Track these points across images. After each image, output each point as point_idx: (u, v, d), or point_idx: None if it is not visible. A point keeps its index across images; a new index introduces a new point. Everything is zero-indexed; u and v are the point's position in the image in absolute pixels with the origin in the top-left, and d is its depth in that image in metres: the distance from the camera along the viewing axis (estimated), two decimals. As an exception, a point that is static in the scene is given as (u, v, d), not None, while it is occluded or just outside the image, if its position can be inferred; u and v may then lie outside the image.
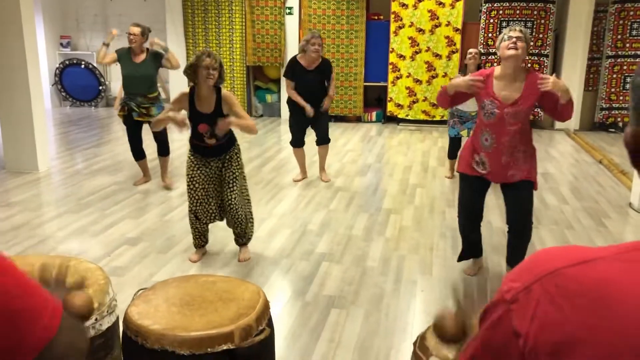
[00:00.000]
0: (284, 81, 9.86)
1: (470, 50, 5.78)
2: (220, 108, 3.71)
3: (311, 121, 5.86)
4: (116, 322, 1.72)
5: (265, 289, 3.58)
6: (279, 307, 3.37)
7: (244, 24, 9.62)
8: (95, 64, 10.46)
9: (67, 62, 10.52)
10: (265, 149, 7.68)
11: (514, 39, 3.23)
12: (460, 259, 3.87)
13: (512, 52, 3.22)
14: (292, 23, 9.60)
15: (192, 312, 1.52)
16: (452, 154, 6.15)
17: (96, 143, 7.98)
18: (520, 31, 3.28)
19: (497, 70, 3.36)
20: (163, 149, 5.83)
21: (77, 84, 10.61)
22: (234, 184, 3.84)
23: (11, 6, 5.89)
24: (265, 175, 6.32)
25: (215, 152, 3.82)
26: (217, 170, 3.84)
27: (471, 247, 3.81)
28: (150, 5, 10.34)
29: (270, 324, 1.61)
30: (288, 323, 3.20)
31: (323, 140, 6.02)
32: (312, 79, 5.67)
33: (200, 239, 4.04)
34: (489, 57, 8.80)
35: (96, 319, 1.54)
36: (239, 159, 3.91)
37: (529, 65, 8.43)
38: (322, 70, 5.72)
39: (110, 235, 4.55)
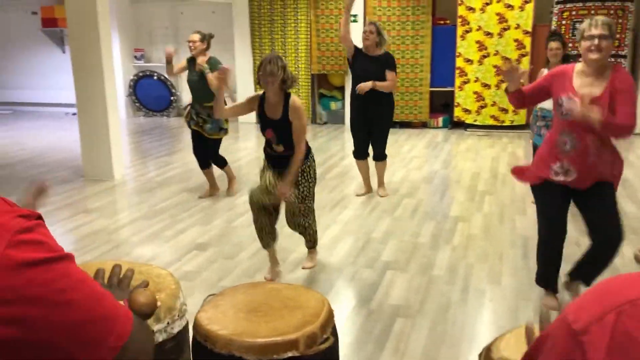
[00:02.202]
0: (348, 88, 9.90)
1: (551, 44, 5.11)
2: (287, 115, 3.55)
3: (370, 132, 5.62)
4: (186, 326, 1.78)
5: (330, 296, 3.59)
6: (343, 315, 3.37)
7: (309, 32, 9.73)
8: (167, 75, 10.86)
9: (140, 74, 10.98)
10: (329, 156, 7.71)
11: (596, 40, 2.89)
12: (541, 283, 3.44)
13: (594, 55, 2.91)
14: (356, 30, 9.60)
15: (259, 319, 1.55)
16: None
17: (168, 152, 8.26)
18: (603, 26, 2.91)
19: (579, 66, 3.06)
20: (218, 162, 5.77)
21: (149, 94, 11.05)
22: (303, 202, 3.70)
23: (89, 22, 6.21)
24: (329, 182, 6.34)
25: (286, 164, 3.58)
26: None
27: (549, 272, 3.38)
28: (219, 17, 10.64)
29: (334, 333, 1.62)
30: (352, 331, 3.19)
31: (379, 156, 5.74)
32: (370, 66, 5.33)
33: (269, 236, 3.82)
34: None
35: (168, 323, 1.60)
36: (310, 175, 3.71)
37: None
38: (382, 61, 5.38)
39: (181, 241, 4.69)
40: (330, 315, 1.62)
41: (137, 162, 7.81)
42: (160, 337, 1.60)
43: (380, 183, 5.89)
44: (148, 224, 5.12)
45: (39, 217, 0.78)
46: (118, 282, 1.11)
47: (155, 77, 10.89)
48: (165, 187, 6.32)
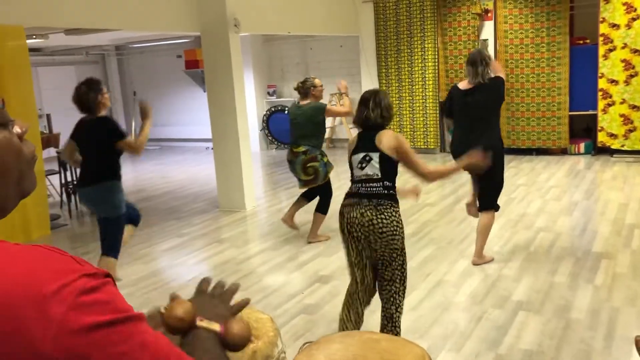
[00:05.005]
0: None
1: None
2: None
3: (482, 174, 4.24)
4: (285, 374, 1.74)
5: (454, 338, 3.39)
6: (468, 359, 3.15)
7: (436, 60, 9.56)
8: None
9: (273, 109, 11.47)
10: (459, 185, 7.43)
11: None
12: None
13: None
14: (487, 55, 9.28)
15: (352, 372, 1.46)
16: None
17: (297, 183, 8.46)
18: None
19: None
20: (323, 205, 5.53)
21: (281, 128, 11.46)
22: None
23: (223, 63, 6.61)
24: (458, 214, 6.09)
25: None
26: None
27: None
28: (346, 51, 10.85)
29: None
30: (478, 377, 2.96)
31: (485, 204, 4.52)
32: (469, 103, 4.42)
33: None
34: None
35: (266, 370, 1.57)
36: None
37: None
38: (486, 89, 4.41)
39: (305, 272, 4.73)
40: (430, 373, 1.48)
41: (268, 192, 8.09)
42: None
43: (478, 250, 4.64)
44: (275, 254, 5.24)
45: (107, 276, 0.77)
46: (220, 294, 1.10)
47: (286, 112, 11.30)
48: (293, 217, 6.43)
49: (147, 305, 4.20)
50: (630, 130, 8.43)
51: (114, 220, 4.18)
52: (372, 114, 3.18)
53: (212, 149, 7.52)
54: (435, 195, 7.08)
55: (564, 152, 9.11)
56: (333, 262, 4.91)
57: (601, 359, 3.07)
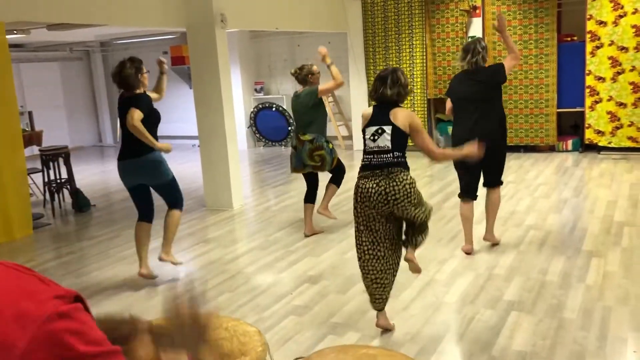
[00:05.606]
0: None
1: None
2: None
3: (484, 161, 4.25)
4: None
5: (446, 339, 3.34)
6: (461, 361, 3.10)
7: (424, 57, 9.52)
8: (284, 107, 11.14)
9: (260, 106, 11.36)
10: (447, 184, 7.40)
11: None
12: None
13: None
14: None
15: (348, 389, 1.39)
16: None
17: (285, 180, 8.38)
18: None
19: None
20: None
21: (269, 125, 11.38)
22: None
23: (209, 59, 6.50)
24: (447, 212, 6.06)
25: None
26: None
27: None
28: (334, 47, 10.75)
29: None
30: (472, 380, 2.91)
31: (492, 181, 4.72)
32: (469, 88, 4.49)
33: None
34: None
35: (255, 385, 1.50)
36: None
37: None
38: (486, 75, 4.49)
39: (294, 272, 4.66)
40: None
41: (256, 191, 8.00)
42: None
43: (489, 228, 4.89)
44: (262, 254, 5.16)
45: (78, 298, 0.68)
46: (192, 323, 1.04)
47: (273, 109, 11.21)
48: (281, 216, 6.37)
49: (130, 307, 4.10)
50: (617, 128, 8.45)
51: (169, 183, 4.51)
52: (389, 92, 3.37)
53: (198, 146, 7.40)
54: (423, 192, 7.02)
55: (551, 149, 9.12)
56: (322, 261, 4.84)
57: (595, 358, 3.03)
